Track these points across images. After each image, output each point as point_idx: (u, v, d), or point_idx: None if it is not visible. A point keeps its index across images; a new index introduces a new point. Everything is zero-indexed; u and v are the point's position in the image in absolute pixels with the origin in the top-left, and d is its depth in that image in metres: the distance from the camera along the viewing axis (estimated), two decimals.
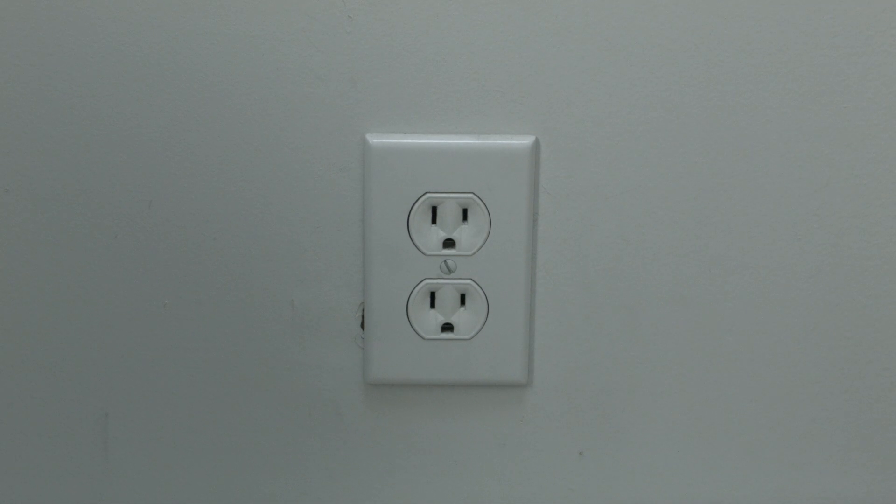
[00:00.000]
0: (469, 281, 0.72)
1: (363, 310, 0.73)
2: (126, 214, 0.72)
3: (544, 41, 0.69)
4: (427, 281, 0.72)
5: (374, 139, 0.70)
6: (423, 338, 0.73)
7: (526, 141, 0.70)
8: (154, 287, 0.73)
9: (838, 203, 0.71)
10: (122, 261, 0.72)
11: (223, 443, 0.76)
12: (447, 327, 0.73)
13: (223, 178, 0.71)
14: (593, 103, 0.70)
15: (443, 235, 0.71)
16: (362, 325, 0.73)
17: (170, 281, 0.73)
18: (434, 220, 0.71)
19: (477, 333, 0.72)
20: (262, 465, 0.76)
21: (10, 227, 0.72)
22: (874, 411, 0.75)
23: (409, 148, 0.70)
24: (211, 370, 0.74)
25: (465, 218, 0.71)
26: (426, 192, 0.70)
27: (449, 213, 0.71)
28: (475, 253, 0.71)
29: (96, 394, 0.75)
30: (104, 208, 0.71)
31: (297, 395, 0.75)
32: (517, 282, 0.72)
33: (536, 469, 0.77)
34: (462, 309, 0.73)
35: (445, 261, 0.71)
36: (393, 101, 0.70)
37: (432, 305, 0.72)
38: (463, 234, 0.71)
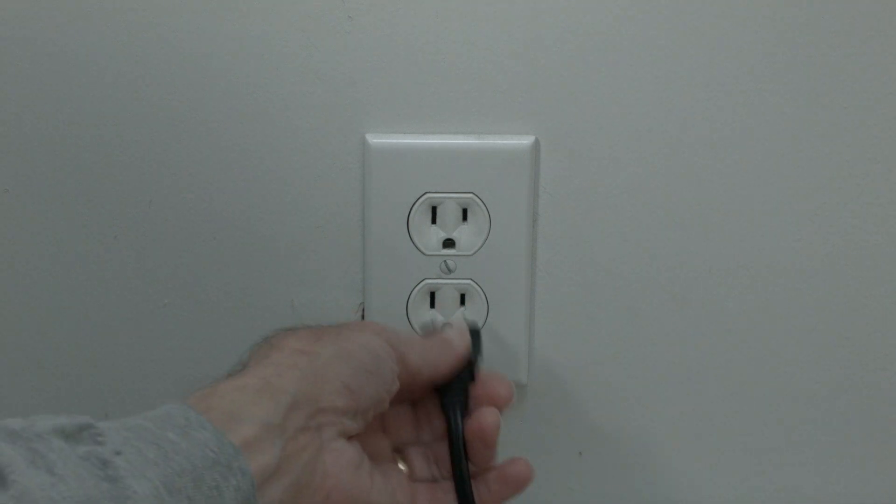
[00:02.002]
0: (469, 281, 0.72)
1: (363, 310, 0.73)
2: (126, 214, 0.72)
3: (544, 41, 0.69)
4: (427, 281, 0.72)
5: (374, 139, 0.70)
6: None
7: (526, 141, 0.70)
8: (154, 287, 0.73)
9: (838, 203, 0.71)
10: (122, 261, 0.72)
11: None
12: None
13: (223, 178, 0.71)
14: (593, 103, 0.70)
15: (443, 235, 0.71)
16: None
17: (170, 281, 0.73)
18: (434, 220, 0.71)
19: None
20: None
21: (10, 227, 0.72)
22: (874, 411, 0.75)
23: (408, 148, 0.70)
24: (211, 371, 0.74)
25: (464, 218, 0.71)
26: (426, 192, 0.70)
27: (449, 213, 0.71)
28: (475, 253, 0.71)
29: (96, 394, 0.75)
30: (104, 208, 0.71)
31: None
32: (517, 282, 0.72)
33: (536, 469, 0.77)
34: (462, 309, 0.72)
35: (445, 261, 0.71)
36: (393, 101, 0.70)
37: (432, 305, 0.72)
38: (463, 234, 0.71)
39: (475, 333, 0.67)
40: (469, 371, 0.65)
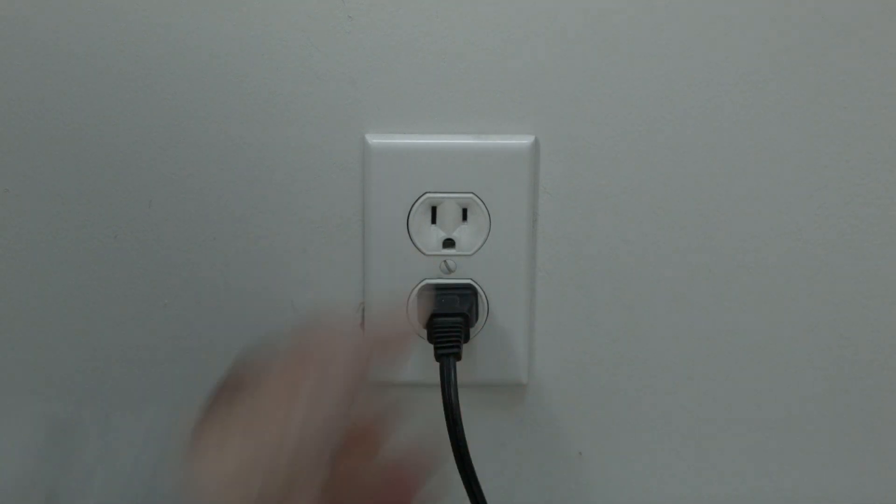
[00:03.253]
0: (469, 281, 0.72)
1: (363, 310, 0.73)
2: (126, 214, 0.72)
3: (544, 41, 0.69)
4: (427, 281, 0.72)
5: (374, 139, 0.70)
6: (423, 338, 0.72)
7: (526, 141, 0.70)
8: (154, 287, 0.73)
9: (838, 203, 0.71)
10: (122, 261, 0.72)
11: None
12: None
13: (223, 178, 0.71)
14: (593, 103, 0.70)
15: (443, 235, 0.71)
16: (362, 326, 0.73)
17: (170, 281, 0.73)
18: (434, 220, 0.71)
19: (477, 333, 0.72)
20: None
21: (10, 227, 0.72)
22: (874, 411, 0.75)
23: (408, 148, 0.70)
24: (211, 371, 0.74)
25: (464, 218, 0.71)
26: (426, 192, 0.70)
27: (449, 213, 0.71)
28: (475, 253, 0.71)
29: (96, 394, 0.75)
30: (104, 208, 0.71)
31: None
32: (517, 282, 0.72)
33: (536, 469, 0.77)
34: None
35: (445, 261, 0.71)
36: (393, 101, 0.70)
37: None
38: (463, 234, 0.71)
39: (472, 288, 0.70)
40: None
